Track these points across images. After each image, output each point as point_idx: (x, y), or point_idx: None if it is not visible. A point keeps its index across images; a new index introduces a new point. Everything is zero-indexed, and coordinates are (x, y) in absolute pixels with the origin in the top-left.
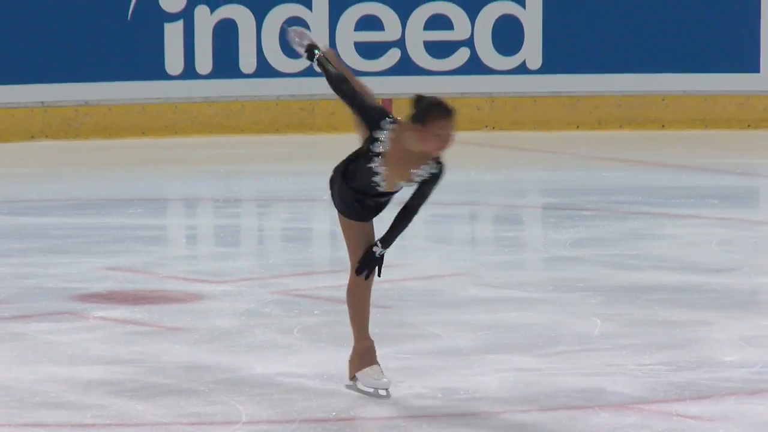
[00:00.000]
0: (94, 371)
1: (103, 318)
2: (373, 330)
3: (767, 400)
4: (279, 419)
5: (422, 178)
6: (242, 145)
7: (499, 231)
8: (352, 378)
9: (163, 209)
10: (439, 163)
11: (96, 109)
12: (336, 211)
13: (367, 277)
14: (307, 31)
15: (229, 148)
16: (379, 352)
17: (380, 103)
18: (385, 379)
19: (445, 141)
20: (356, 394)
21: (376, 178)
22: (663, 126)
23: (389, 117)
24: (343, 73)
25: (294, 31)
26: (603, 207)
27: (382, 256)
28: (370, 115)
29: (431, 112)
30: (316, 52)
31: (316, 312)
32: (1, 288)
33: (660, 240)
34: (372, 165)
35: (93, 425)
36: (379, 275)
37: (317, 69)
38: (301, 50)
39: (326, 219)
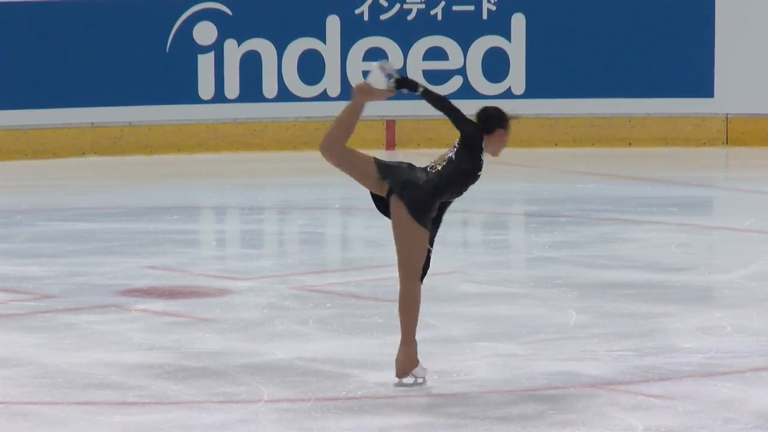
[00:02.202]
0: (135, 356)
1: (143, 310)
2: (380, 321)
3: (720, 382)
4: (296, 398)
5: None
6: (265, 161)
7: (488, 235)
8: (402, 375)
9: (196, 216)
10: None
11: (138, 129)
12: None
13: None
14: (391, 65)
15: (254, 163)
16: (384, 340)
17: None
18: (425, 368)
19: (506, 142)
20: (363, 376)
21: (474, 183)
22: (630, 144)
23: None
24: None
25: (386, 66)
26: (578, 214)
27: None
28: (473, 130)
29: (507, 120)
30: (420, 88)
31: (328, 305)
32: (55, 284)
33: (627, 243)
34: (480, 172)
35: (135, 403)
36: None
37: (419, 96)
38: (390, 81)
39: (337, 224)
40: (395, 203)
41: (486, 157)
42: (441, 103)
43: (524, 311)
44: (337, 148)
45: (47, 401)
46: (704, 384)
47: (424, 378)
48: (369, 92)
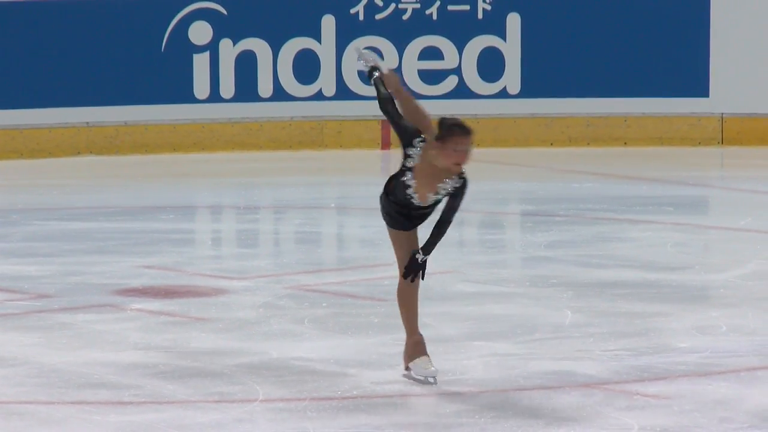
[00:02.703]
0: (131, 356)
1: (139, 310)
2: (375, 320)
3: (715, 381)
4: (292, 398)
5: (447, 192)
6: (260, 160)
7: (484, 234)
8: (407, 368)
9: (191, 215)
10: (462, 177)
11: (134, 129)
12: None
13: (412, 281)
14: (376, 56)
15: (249, 162)
16: (380, 340)
17: (432, 123)
18: (432, 368)
19: (462, 156)
20: (359, 375)
21: (409, 191)
22: (626, 143)
23: (420, 137)
24: (398, 95)
25: (366, 53)
26: (573, 213)
27: (424, 262)
28: (405, 134)
29: (450, 131)
30: (375, 73)
31: (324, 305)
32: (51, 284)
33: (623, 242)
34: (405, 179)
35: (130, 403)
36: (422, 278)
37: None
38: (365, 70)
39: (333, 224)
40: None
41: (443, 165)
42: (383, 105)
43: (520, 311)
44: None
45: (43, 401)
46: (700, 383)
47: (434, 378)
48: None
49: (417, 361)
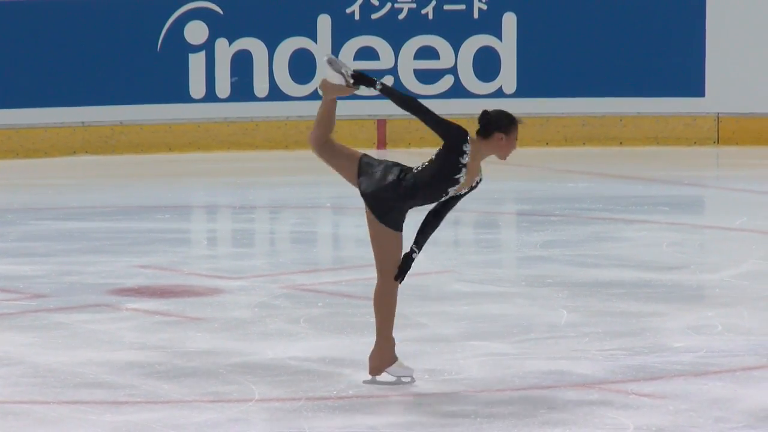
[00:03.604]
0: (126, 355)
1: (135, 309)
2: (371, 320)
3: (711, 381)
4: (287, 397)
5: (476, 184)
6: (256, 160)
7: (480, 234)
8: (375, 373)
9: (187, 215)
10: (480, 171)
11: (129, 128)
12: (377, 223)
13: (401, 281)
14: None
15: (245, 162)
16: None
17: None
18: (410, 367)
19: (515, 145)
20: (354, 375)
21: (452, 189)
22: (621, 143)
23: (467, 133)
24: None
25: (335, 61)
26: (569, 213)
27: (412, 260)
28: (456, 132)
29: (513, 123)
30: (376, 78)
31: (319, 304)
32: (47, 283)
33: (618, 242)
34: (459, 176)
35: (126, 402)
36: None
37: (378, 92)
38: (347, 76)
39: (329, 224)
40: (365, 203)
41: (481, 162)
42: (409, 103)
43: (515, 310)
44: (320, 145)
45: (38, 400)
46: (695, 383)
47: (411, 377)
48: (329, 88)
49: (396, 365)
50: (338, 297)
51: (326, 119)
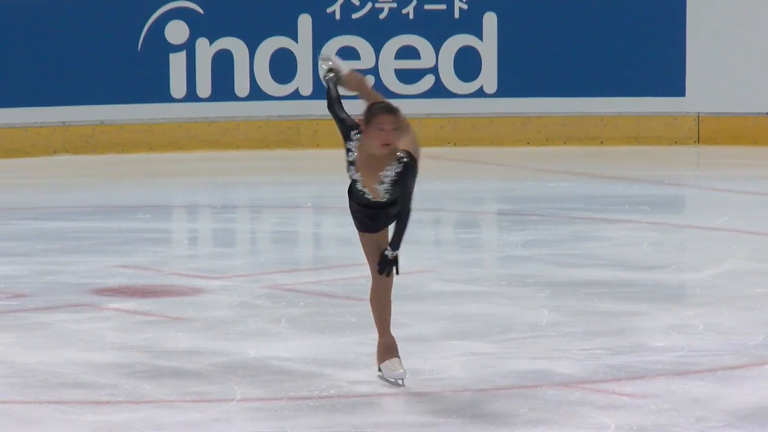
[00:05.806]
0: (107, 355)
1: (115, 309)
2: (352, 319)
3: (691, 380)
4: (269, 397)
5: (392, 179)
6: (237, 160)
7: (460, 233)
8: (380, 369)
9: (168, 215)
10: (401, 162)
11: (110, 128)
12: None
13: (387, 275)
14: (338, 59)
15: (226, 161)
16: (357, 339)
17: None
18: (401, 371)
19: (387, 135)
20: (336, 375)
21: (358, 185)
22: (602, 142)
23: (357, 129)
24: (363, 93)
25: (328, 55)
26: (550, 213)
27: (396, 257)
28: (344, 128)
29: (371, 110)
30: (330, 74)
31: (301, 304)
32: (27, 283)
33: (599, 241)
34: (350, 173)
35: (107, 402)
36: (397, 273)
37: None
38: (324, 69)
39: (310, 223)
40: None
41: (373, 150)
42: (333, 107)
43: (496, 310)
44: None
45: (18, 400)
46: (676, 382)
47: (400, 381)
48: (352, 82)
49: (387, 363)
50: (319, 297)
51: (365, 96)
